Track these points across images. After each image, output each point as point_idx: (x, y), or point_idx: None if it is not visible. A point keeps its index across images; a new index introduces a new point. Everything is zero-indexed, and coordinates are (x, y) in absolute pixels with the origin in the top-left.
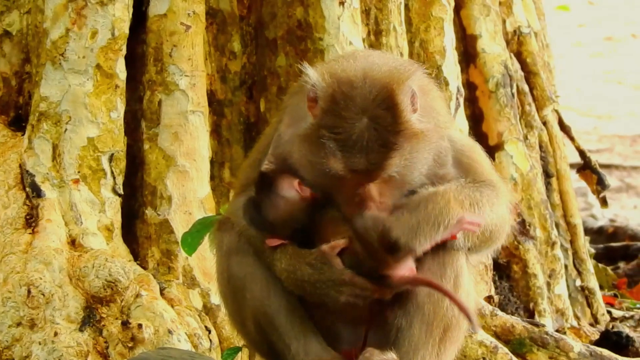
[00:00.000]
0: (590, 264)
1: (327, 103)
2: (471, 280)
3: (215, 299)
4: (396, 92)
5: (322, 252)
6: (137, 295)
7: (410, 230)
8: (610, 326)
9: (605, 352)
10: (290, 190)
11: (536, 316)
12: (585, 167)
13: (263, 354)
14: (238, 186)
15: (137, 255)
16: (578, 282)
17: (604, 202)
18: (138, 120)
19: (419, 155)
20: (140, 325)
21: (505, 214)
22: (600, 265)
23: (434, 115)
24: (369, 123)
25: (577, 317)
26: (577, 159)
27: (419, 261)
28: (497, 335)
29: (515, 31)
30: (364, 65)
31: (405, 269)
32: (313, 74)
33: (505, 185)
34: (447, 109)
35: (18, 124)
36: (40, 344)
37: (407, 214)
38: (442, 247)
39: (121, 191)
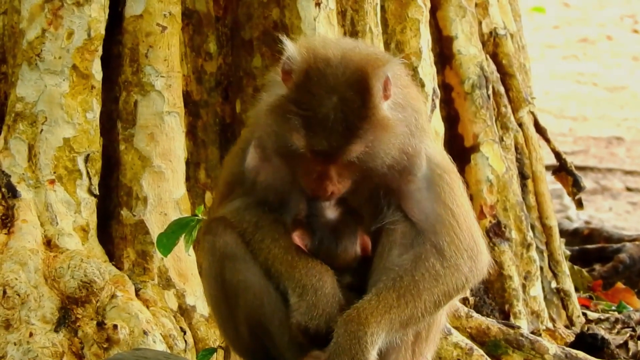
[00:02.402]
0: (565, 265)
1: (299, 77)
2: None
3: (191, 300)
4: (370, 76)
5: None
6: (113, 296)
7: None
8: (586, 328)
9: (581, 354)
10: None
11: (511, 318)
12: (561, 169)
13: (257, 359)
14: (223, 183)
15: (113, 256)
16: (553, 284)
17: (579, 204)
18: (114, 121)
19: (383, 145)
20: (115, 326)
21: (446, 288)
22: (575, 267)
23: (410, 111)
24: (337, 104)
25: (552, 319)
26: (552, 160)
27: None
28: (472, 337)
29: (491, 33)
30: (344, 46)
31: None
32: (290, 46)
33: (467, 228)
34: (425, 110)
35: None
36: (15, 344)
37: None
38: None
39: (97, 192)
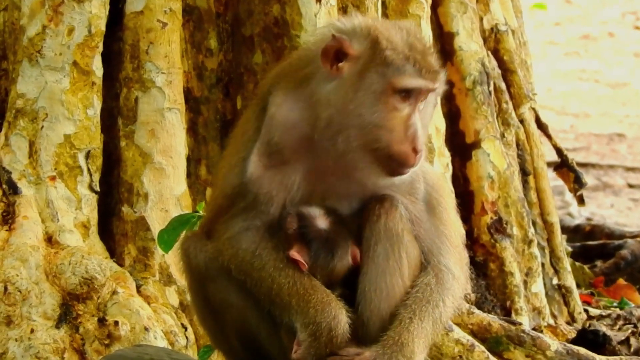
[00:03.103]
0: (567, 262)
1: (376, 36)
2: None
3: None
4: (416, 25)
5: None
6: (114, 293)
7: None
8: (587, 325)
9: (582, 350)
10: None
11: (513, 314)
12: (563, 166)
13: None
14: (222, 196)
15: (114, 252)
16: (555, 281)
17: (581, 201)
18: (114, 117)
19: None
20: (116, 323)
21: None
22: (577, 263)
23: None
24: (417, 39)
25: (554, 316)
26: (554, 157)
27: None
28: (473, 334)
29: (492, 29)
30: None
31: None
32: (343, 22)
33: (461, 250)
34: None
35: None
36: (16, 340)
37: None
38: None
39: (98, 188)
